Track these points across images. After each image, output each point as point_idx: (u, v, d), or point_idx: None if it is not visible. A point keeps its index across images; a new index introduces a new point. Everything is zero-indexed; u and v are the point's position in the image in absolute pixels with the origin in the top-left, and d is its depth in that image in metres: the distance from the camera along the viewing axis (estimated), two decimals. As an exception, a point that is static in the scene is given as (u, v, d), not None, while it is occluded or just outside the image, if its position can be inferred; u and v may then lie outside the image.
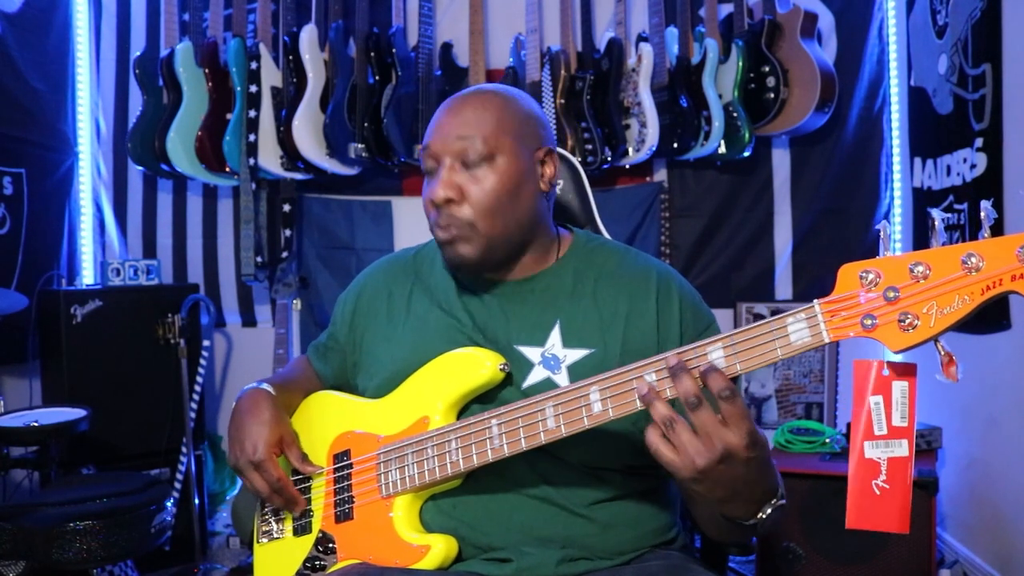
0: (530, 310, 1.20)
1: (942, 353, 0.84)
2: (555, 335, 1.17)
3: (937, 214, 0.86)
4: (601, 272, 1.23)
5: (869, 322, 0.86)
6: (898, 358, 0.88)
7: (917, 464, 2.30)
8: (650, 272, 1.23)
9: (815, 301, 0.89)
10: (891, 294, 0.85)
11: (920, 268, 0.84)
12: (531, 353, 1.17)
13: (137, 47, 3.23)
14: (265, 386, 1.29)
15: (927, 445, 2.50)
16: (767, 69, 2.97)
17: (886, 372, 0.89)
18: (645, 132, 2.94)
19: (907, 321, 0.84)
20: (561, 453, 1.12)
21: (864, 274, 0.86)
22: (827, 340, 0.88)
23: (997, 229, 0.84)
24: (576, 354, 1.16)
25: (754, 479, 0.94)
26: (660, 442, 0.92)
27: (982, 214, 0.83)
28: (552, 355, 1.16)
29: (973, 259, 0.81)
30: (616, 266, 1.25)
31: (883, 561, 2.27)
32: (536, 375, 1.15)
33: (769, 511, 0.98)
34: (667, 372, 0.92)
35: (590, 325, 1.18)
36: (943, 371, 0.84)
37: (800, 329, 0.89)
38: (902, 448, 0.89)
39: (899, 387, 0.89)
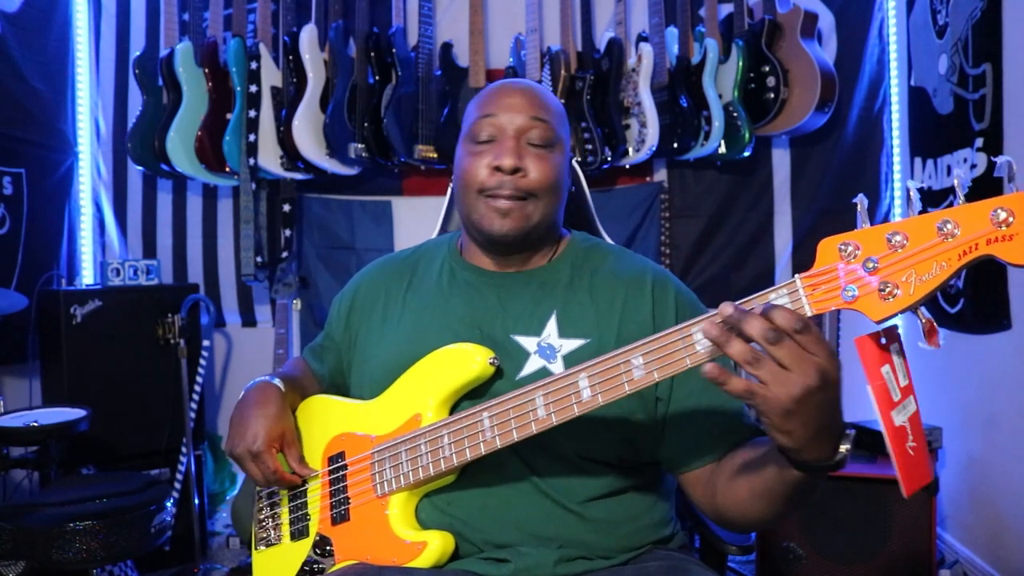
0: (527, 301, 1.22)
1: (923, 320, 0.85)
2: (551, 325, 1.19)
3: (912, 184, 0.87)
4: (597, 268, 1.26)
5: (850, 293, 0.86)
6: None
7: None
8: (645, 269, 1.26)
9: (796, 276, 0.89)
10: (870, 264, 0.85)
11: (897, 237, 0.84)
12: (527, 343, 1.18)
13: (137, 47, 3.23)
14: (277, 381, 1.30)
15: (927, 445, 2.50)
16: (767, 69, 2.97)
17: (883, 340, 0.89)
18: (645, 132, 2.94)
19: (887, 290, 0.84)
20: (554, 445, 1.13)
21: (843, 246, 0.87)
22: (809, 313, 0.87)
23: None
24: (572, 344, 1.17)
25: (839, 407, 0.89)
26: (748, 385, 0.85)
27: (955, 181, 0.84)
28: (548, 344, 1.17)
29: (948, 225, 0.82)
30: (612, 263, 1.27)
31: (883, 561, 2.27)
32: (532, 364, 1.16)
33: (847, 444, 0.92)
34: (727, 325, 0.85)
35: (586, 316, 1.19)
36: (925, 338, 0.84)
37: (782, 304, 0.88)
38: (912, 404, 0.90)
39: (895, 349, 0.90)
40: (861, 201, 0.88)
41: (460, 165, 1.24)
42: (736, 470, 1.08)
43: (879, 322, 0.86)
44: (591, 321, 1.19)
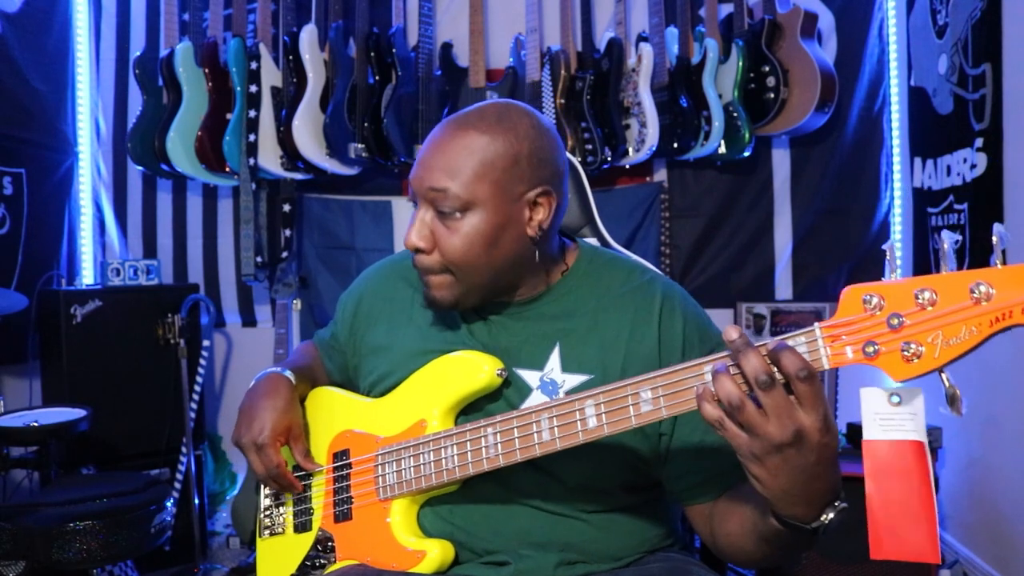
0: (530, 333, 1.18)
1: (947, 386, 0.80)
2: (554, 359, 1.15)
3: (947, 236, 0.82)
4: (604, 293, 1.19)
5: (871, 349, 0.82)
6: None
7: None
8: (654, 292, 1.18)
9: (815, 324, 0.85)
10: (895, 321, 0.81)
11: (926, 295, 0.80)
12: (530, 377, 1.15)
13: (137, 47, 3.23)
14: (288, 373, 1.29)
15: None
16: (767, 69, 2.97)
17: (895, 399, 0.85)
18: (645, 132, 2.94)
19: (911, 351, 0.80)
20: (559, 474, 1.11)
21: (868, 298, 0.82)
22: (826, 366, 0.84)
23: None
24: (575, 380, 1.13)
25: (821, 472, 0.85)
26: (721, 416, 0.84)
27: (994, 239, 0.78)
28: (551, 379, 1.14)
29: (982, 288, 0.77)
30: (620, 285, 1.20)
31: (883, 561, 2.27)
32: (534, 400, 1.13)
33: (832, 515, 0.88)
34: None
35: (590, 350, 1.15)
36: (948, 405, 0.80)
37: (800, 353, 0.84)
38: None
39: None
40: (890, 249, 0.84)
41: None
42: (731, 503, 1.06)
43: (900, 382, 0.82)
44: (595, 356, 1.14)
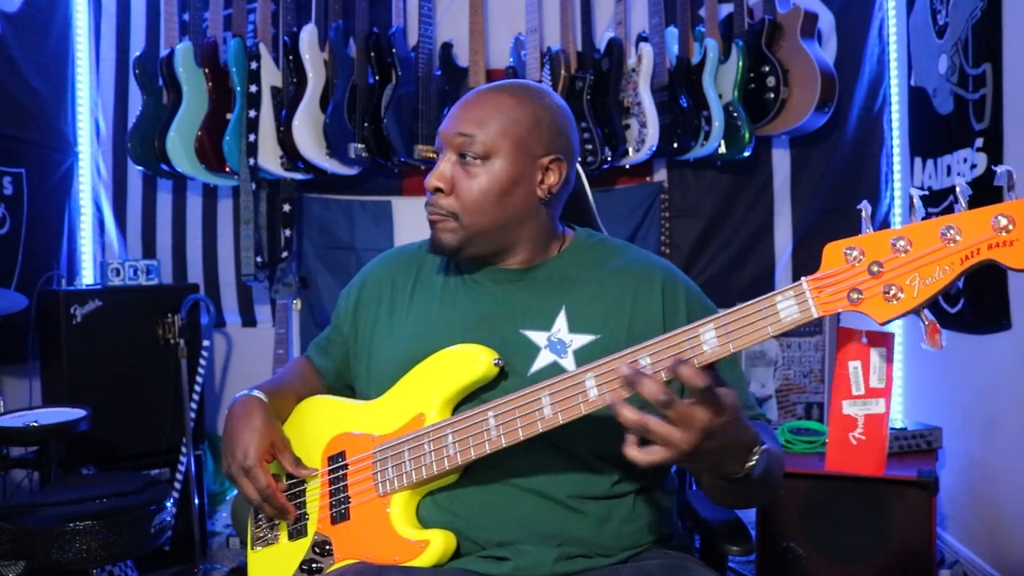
0: (536, 296, 1.22)
1: (926, 322, 0.88)
2: (561, 319, 1.19)
3: (915, 191, 0.90)
4: (604, 263, 1.26)
5: (855, 296, 0.89)
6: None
7: (917, 464, 2.30)
8: (653, 264, 1.26)
9: (803, 279, 0.92)
10: (875, 268, 0.89)
11: (901, 242, 0.88)
12: (537, 337, 1.18)
13: (137, 47, 3.23)
14: (256, 393, 1.29)
15: (927, 445, 2.50)
16: (767, 69, 2.97)
17: (864, 340, 0.95)
18: (645, 132, 2.94)
19: (891, 292, 0.88)
20: (564, 443, 1.13)
21: (848, 251, 0.90)
22: (815, 315, 0.91)
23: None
24: (582, 339, 1.17)
25: (733, 440, 0.95)
26: (640, 450, 0.92)
27: (957, 189, 0.87)
28: (559, 339, 1.18)
29: (951, 231, 0.85)
30: (619, 259, 1.27)
31: (883, 561, 2.27)
32: (543, 359, 1.17)
33: (755, 458, 0.98)
34: (625, 382, 0.92)
35: (595, 311, 1.19)
36: (927, 339, 0.88)
37: (789, 306, 0.92)
38: (879, 405, 0.96)
39: (877, 352, 0.95)
40: (865, 208, 0.92)
41: None
42: None
43: (883, 323, 0.89)
44: (601, 316, 1.19)
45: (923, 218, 0.88)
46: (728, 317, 0.94)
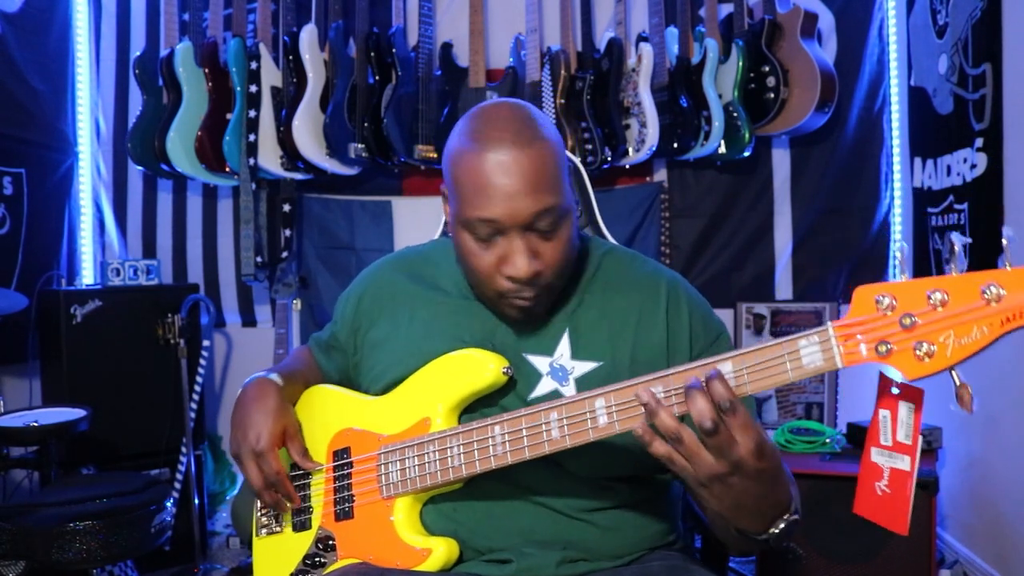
0: (540, 318, 1.18)
1: (958, 384, 0.82)
2: (564, 345, 1.16)
3: (957, 238, 0.85)
4: (610, 280, 1.22)
5: (884, 348, 0.83)
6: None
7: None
8: (659, 281, 1.21)
9: (828, 324, 0.86)
10: (907, 320, 0.82)
11: (938, 295, 0.81)
12: (539, 363, 1.15)
13: (137, 47, 3.23)
14: (273, 376, 1.28)
15: (927, 445, 2.49)
16: (767, 69, 2.97)
17: (895, 391, 0.89)
18: (645, 132, 2.94)
19: (923, 350, 0.82)
20: (566, 464, 1.11)
21: (880, 298, 0.84)
22: (840, 365, 0.85)
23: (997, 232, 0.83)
24: (584, 367, 1.14)
25: (764, 492, 0.90)
26: (670, 451, 0.89)
27: (1004, 241, 0.80)
28: (560, 366, 1.15)
29: (993, 289, 0.79)
30: (625, 272, 1.23)
31: (883, 561, 2.27)
32: (544, 386, 1.14)
33: (781, 526, 0.93)
34: (681, 388, 0.89)
35: (599, 336, 1.16)
36: (958, 402, 0.82)
37: (813, 352, 0.86)
38: (904, 462, 0.90)
39: (906, 407, 0.89)
40: (902, 250, 0.87)
41: (464, 254, 1.13)
42: None
43: (912, 380, 0.84)
44: (604, 342, 1.15)
45: (963, 270, 0.82)
46: (749, 357, 0.88)
